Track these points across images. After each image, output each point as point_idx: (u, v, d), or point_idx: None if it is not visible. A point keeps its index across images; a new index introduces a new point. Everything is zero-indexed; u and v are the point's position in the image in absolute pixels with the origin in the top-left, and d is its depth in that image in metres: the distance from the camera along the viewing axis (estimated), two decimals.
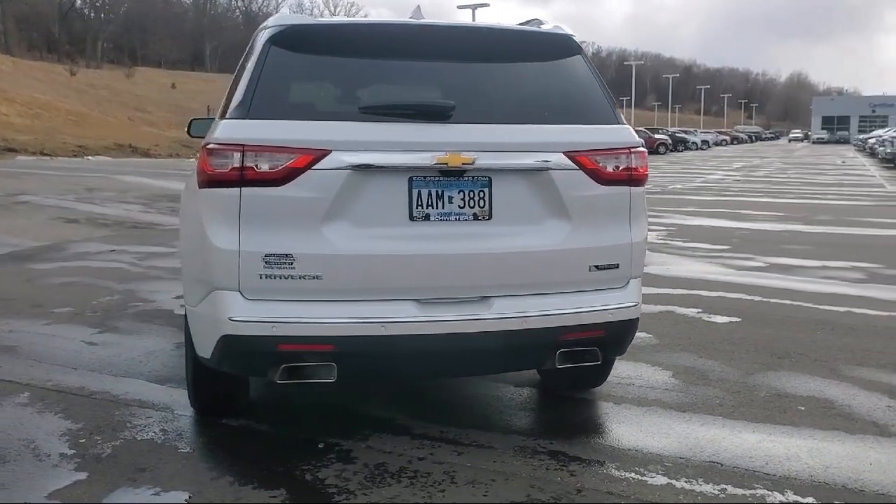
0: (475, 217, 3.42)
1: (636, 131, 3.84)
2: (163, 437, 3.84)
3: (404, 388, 4.59)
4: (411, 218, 3.35)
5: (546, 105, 3.62)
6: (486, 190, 3.41)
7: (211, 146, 3.34)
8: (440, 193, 3.37)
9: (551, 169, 3.44)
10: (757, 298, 7.12)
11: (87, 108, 51.90)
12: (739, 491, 3.34)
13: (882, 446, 3.84)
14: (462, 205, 3.40)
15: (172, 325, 5.98)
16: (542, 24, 3.94)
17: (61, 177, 21.45)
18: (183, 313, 6.22)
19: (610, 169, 3.57)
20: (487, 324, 3.39)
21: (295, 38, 3.49)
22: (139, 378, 4.70)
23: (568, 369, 3.71)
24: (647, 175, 3.72)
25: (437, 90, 3.60)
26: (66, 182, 19.60)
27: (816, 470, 3.55)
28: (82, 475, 3.42)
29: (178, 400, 4.32)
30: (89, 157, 33.08)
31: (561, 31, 3.81)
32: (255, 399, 4.28)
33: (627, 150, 3.61)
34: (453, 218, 3.39)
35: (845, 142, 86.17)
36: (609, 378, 4.52)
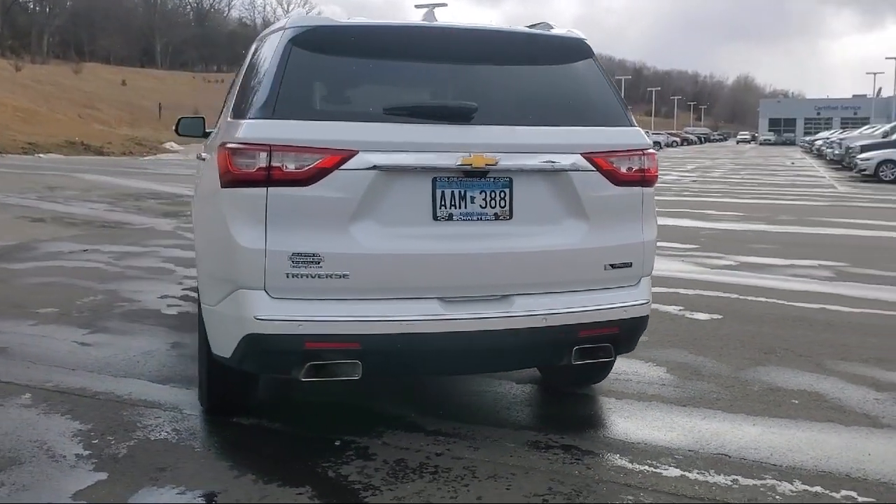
0: (496, 217, 3.49)
1: None
2: (176, 437, 3.84)
3: (409, 384, 4.64)
4: (435, 218, 3.41)
5: (562, 107, 3.71)
6: (506, 190, 3.48)
7: (235, 146, 3.35)
8: (463, 194, 3.43)
9: (570, 170, 3.53)
10: (734, 296, 7.31)
11: (35, 104, 50.60)
12: (750, 481, 3.46)
13: (877, 437, 4.01)
14: (484, 205, 3.46)
15: (163, 325, 5.95)
16: (552, 27, 4.03)
17: (18, 175, 20.99)
18: (174, 313, 6.29)
19: (624, 170, 3.67)
20: (509, 321, 3.46)
21: (317, 40, 3.52)
22: (140, 378, 4.67)
23: (574, 366, 3.80)
24: (657, 176, 3.83)
25: (458, 92, 3.66)
26: (24, 180, 19.18)
27: (819, 460, 3.70)
28: (102, 475, 3.41)
29: (184, 399, 4.31)
30: (40, 155, 32.36)
31: (574, 35, 3.90)
32: (263, 398, 4.28)
33: (640, 152, 3.72)
34: (475, 218, 3.46)
35: (791, 143, 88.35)
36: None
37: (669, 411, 4.31)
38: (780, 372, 5.02)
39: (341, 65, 3.59)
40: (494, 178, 3.46)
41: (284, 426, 4.01)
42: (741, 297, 7.29)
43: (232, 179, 3.35)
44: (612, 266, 3.66)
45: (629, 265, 3.70)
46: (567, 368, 3.88)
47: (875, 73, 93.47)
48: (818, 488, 3.42)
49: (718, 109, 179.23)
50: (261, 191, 3.28)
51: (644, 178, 3.74)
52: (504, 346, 3.52)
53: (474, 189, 3.45)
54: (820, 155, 43.72)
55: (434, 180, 3.40)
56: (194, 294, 6.97)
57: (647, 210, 3.79)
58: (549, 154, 3.52)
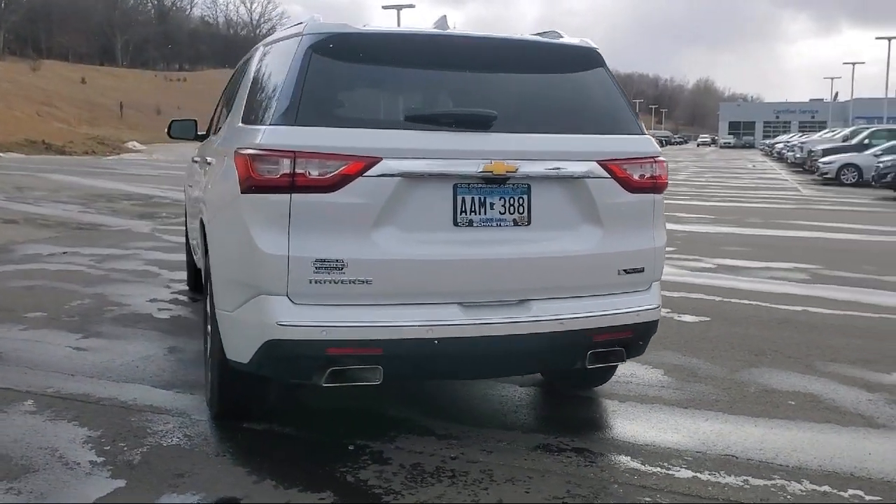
0: (515, 223, 3.54)
1: None
2: (189, 443, 3.82)
3: (414, 389, 4.67)
4: (455, 224, 3.45)
5: (577, 115, 3.77)
6: (525, 197, 3.54)
7: (256, 152, 3.35)
8: (482, 200, 3.48)
9: (587, 177, 3.59)
10: (717, 298, 7.46)
11: None
12: (760, 482, 3.55)
13: (875, 437, 4.13)
14: (503, 211, 3.51)
15: (156, 329, 5.90)
16: (561, 35, 4.08)
17: None
18: (166, 317, 6.23)
19: (637, 177, 3.74)
20: (527, 326, 3.52)
21: (337, 47, 3.53)
22: (142, 383, 4.64)
23: (579, 369, 3.86)
24: (667, 183, 3.91)
25: (476, 99, 3.70)
26: None
27: (823, 460, 3.80)
28: (121, 482, 3.39)
29: (191, 405, 4.29)
30: (1, 154, 31.70)
31: (587, 45, 3.97)
32: (272, 403, 4.28)
33: (652, 160, 3.80)
34: (495, 224, 3.51)
35: (751, 146, 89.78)
36: None
37: (672, 413, 4.39)
38: (772, 374, 5.14)
39: (361, 72, 3.61)
40: (514, 185, 3.51)
41: (296, 431, 4.02)
42: (725, 299, 7.43)
43: (253, 185, 3.35)
44: (626, 271, 3.73)
45: (641, 270, 3.78)
46: (573, 371, 3.94)
47: (832, 78, 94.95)
48: (826, 487, 3.52)
49: (679, 113, 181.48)
50: (284, 197, 3.29)
51: (655, 185, 3.82)
52: (522, 351, 3.57)
53: (494, 196, 3.49)
54: (780, 158, 44.54)
55: (455, 187, 3.44)
56: (185, 298, 6.94)
57: (658, 216, 3.88)
58: (566, 161, 3.58)
